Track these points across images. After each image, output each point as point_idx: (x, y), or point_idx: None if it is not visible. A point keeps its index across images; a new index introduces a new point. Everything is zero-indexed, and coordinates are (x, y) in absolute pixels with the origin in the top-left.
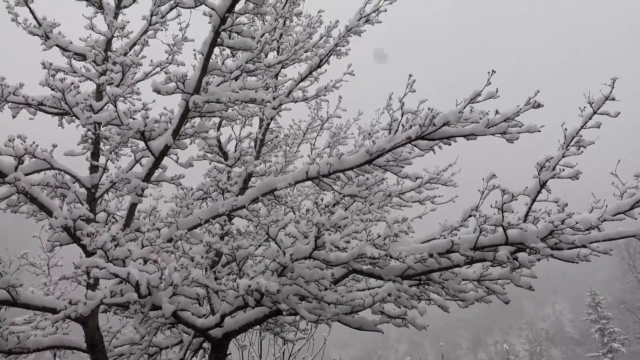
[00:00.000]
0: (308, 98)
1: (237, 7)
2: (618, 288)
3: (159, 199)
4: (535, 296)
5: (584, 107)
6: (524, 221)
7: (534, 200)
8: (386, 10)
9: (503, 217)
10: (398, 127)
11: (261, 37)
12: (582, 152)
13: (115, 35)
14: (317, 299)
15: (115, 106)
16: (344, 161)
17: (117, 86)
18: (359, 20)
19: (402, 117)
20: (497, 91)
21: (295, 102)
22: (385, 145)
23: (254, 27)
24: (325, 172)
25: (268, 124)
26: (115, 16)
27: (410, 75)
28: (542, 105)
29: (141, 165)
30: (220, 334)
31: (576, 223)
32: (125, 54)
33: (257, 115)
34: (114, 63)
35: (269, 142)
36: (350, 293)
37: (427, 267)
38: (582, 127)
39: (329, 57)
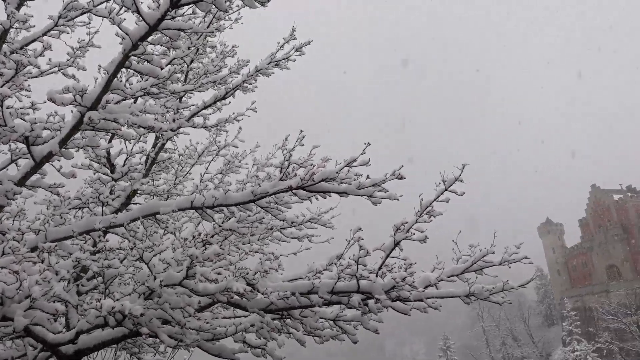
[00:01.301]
0: (208, 126)
1: (151, 37)
2: (467, 335)
3: (28, 197)
4: (397, 335)
5: (438, 184)
6: (377, 274)
7: (387, 256)
8: (295, 60)
9: (357, 268)
10: (284, 174)
11: (169, 63)
12: (432, 220)
13: (13, 26)
14: (180, 324)
15: (2, 106)
16: (229, 197)
17: (8, 81)
18: (268, 64)
19: (288, 166)
20: (369, 160)
21: (195, 127)
22: (269, 189)
23: (166, 56)
24: (209, 204)
25: (163, 144)
26: (18, 7)
27: (301, 131)
28: (404, 178)
29: (17, 166)
30: (72, 351)
31: (413, 282)
32: (21, 48)
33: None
34: (6, 55)
35: (162, 162)
36: (216, 320)
37: (288, 304)
38: (434, 200)
39: (235, 91)
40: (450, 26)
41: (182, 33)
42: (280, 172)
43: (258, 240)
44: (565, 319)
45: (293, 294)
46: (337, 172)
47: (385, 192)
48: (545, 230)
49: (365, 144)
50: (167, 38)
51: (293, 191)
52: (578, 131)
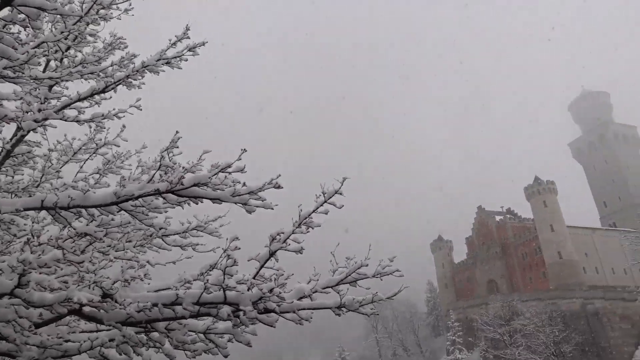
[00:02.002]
0: (81, 120)
1: (3, 13)
2: (362, 345)
3: None
4: (297, 346)
5: (319, 195)
6: (248, 285)
7: (262, 266)
8: (187, 60)
9: (224, 278)
10: (153, 176)
11: (37, 47)
12: (309, 232)
13: None
14: (8, 340)
15: None
16: (88, 197)
17: None
18: (157, 61)
19: (159, 169)
20: (244, 167)
21: (66, 120)
22: (135, 191)
23: (27, 35)
24: (64, 205)
25: (23, 136)
26: None
27: (177, 132)
28: (282, 187)
29: None
30: None
31: (280, 293)
32: None
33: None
34: None
35: (20, 155)
36: (74, 334)
37: (149, 317)
38: (312, 212)
39: (117, 85)
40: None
41: (45, 14)
42: (151, 173)
43: (135, 247)
44: (450, 330)
45: (156, 305)
46: (210, 177)
47: (261, 201)
48: (436, 246)
49: (241, 150)
50: (25, 16)
51: (162, 195)
52: (470, 154)
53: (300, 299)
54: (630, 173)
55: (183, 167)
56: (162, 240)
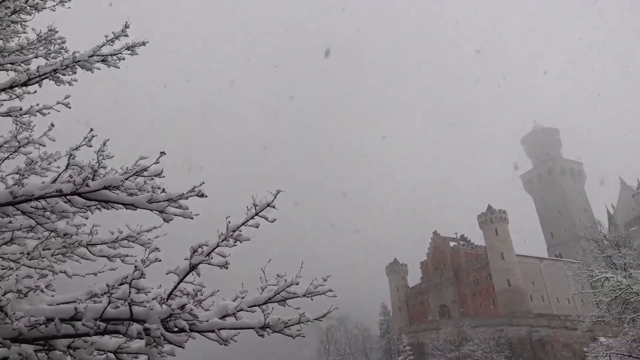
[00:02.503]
0: None
1: None
2: None
3: None
4: None
5: (250, 207)
6: (167, 299)
7: (181, 280)
8: (125, 59)
9: (130, 292)
10: (59, 177)
11: None
12: (237, 245)
13: None
14: None
15: None
16: None
17: None
18: (90, 57)
19: (66, 168)
20: (162, 171)
21: None
22: (35, 191)
23: None
24: None
25: None
26: None
27: (91, 129)
28: (206, 196)
29: None
30: None
31: (192, 310)
32: None
33: None
34: None
35: None
36: None
37: (42, 334)
38: (242, 224)
39: (42, 79)
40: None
41: None
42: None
43: (53, 255)
44: (401, 354)
45: (51, 320)
46: (122, 181)
47: (181, 209)
48: (392, 270)
49: (160, 153)
50: None
51: (67, 197)
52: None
53: (223, 317)
54: (575, 207)
55: (92, 168)
56: (87, 249)
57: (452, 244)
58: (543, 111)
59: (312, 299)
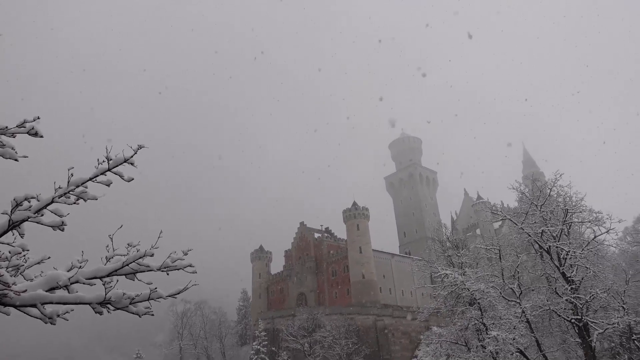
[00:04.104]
0: None
1: None
2: (164, 352)
3: None
4: (89, 351)
5: (102, 162)
6: None
7: None
8: None
9: None
10: None
11: None
12: (79, 203)
13: None
14: None
15: None
16: None
17: None
18: None
19: None
20: None
21: None
22: None
23: None
24: None
25: None
26: None
27: None
28: (41, 136)
29: None
30: None
31: (1, 276)
32: None
33: None
34: None
35: None
36: None
37: None
38: (89, 180)
39: None
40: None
41: None
42: None
43: None
44: (256, 339)
45: None
46: None
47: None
48: (256, 256)
49: None
50: None
51: None
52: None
53: (52, 289)
54: (426, 210)
55: None
56: None
57: (317, 235)
58: (412, 121)
59: (168, 274)
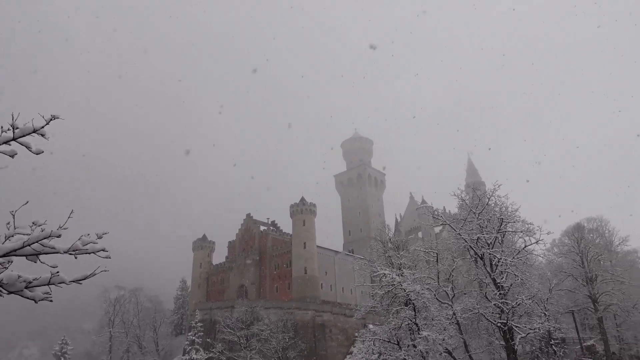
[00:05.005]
0: None
1: None
2: (92, 340)
3: None
4: (8, 337)
5: (7, 129)
6: None
7: None
8: None
9: None
10: None
11: None
12: None
13: None
14: None
15: None
16: None
17: None
18: None
19: None
20: None
21: None
22: None
23: None
24: None
25: None
26: None
27: None
28: None
29: None
30: None
31: None
32: None
33: None
34: None
35: None
36: None
37: None
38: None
39: None
40: None
41: None
42: None
43: None
44: (192, 330)
45: None
46: None
47: None
48: (198, 245)
49: None
50: None
51: None
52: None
53: None
54: (372, 211)
55: None
56: None
57: (263, 228)
58: (365, 123)
59: (76, 258)
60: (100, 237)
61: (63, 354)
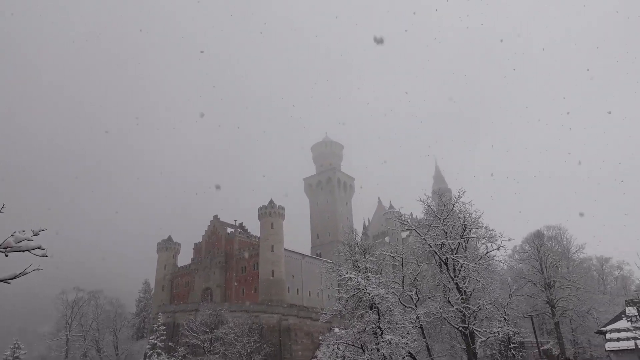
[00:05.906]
0: None
1: None
2: (47, 343)
3: None
4: None
5: None
6: None
7: None
8: None
9: None
10: None
11: None
12: None
13: None
14: None
15: None
16: None
17: None
18: None
19: None
20: None
21: None
22: None
23: None
24: None
25: None
26: None
27: None
28: None
29: None
30: None
31: None
32: None
33: None
34: None
35: None
36: None
37: None
38: None
39: None
40: None
41: None
42: None
43: None
44: (154, 333)
45: None
46: None
47: None
48: (163, 246)
49: None
50: None
51: None
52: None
53: None
54: (340, 215)
55: None
56: None
57: (230, 230)
58: (337, 125)
59: (6, 255)
60: (36, 234)
61: (15, 358)
